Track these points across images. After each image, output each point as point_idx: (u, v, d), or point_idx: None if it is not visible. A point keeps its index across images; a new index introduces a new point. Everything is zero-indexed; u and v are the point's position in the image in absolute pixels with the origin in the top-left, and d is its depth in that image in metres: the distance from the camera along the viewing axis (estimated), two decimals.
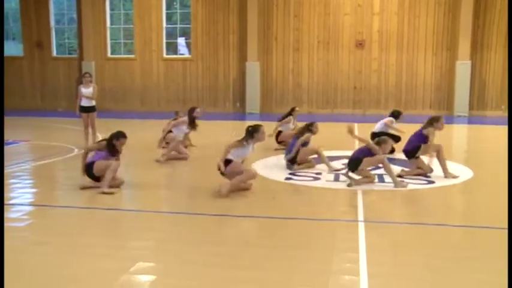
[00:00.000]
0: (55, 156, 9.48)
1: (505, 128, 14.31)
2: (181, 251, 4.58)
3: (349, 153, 9.22)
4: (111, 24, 20.95)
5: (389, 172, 7.01)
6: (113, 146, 6.82)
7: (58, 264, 4.21)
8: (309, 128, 8.51)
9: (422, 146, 7.66)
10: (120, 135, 6.88)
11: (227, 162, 6.46)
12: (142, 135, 12.50)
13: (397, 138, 9.55)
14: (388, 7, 18.67)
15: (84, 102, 10.43)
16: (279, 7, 19.38)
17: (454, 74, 18.09)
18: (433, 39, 18.60)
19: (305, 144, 8.31)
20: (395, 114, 10.16)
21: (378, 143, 7.11)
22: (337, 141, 10.50)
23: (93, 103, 10.47)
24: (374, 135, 9.56)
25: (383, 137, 7.45)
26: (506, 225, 5.37)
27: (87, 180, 6.83)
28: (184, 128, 9.44)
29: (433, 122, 7.75)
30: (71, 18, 21.40)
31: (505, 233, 5.13)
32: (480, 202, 6.48)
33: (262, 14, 19.32)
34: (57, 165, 8.99)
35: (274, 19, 19.45)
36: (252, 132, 6.67)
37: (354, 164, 7.06)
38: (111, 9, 20.91)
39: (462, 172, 7.94)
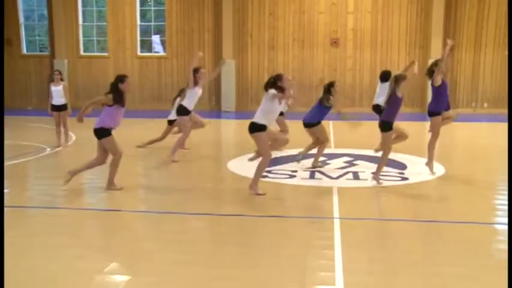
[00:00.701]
0: (26, 156, 9.28)
1: (475, 125, 14.65)
2: (156, 250, 4.54)
3: (326, 150, 9.28)
4: (84, 21, 20.61)
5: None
6: (119, 91, 6.48)
7: (30, 265, 4.13)
8: (329, 89, 8.23)
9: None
10: (122, 77, 6.58)
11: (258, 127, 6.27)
12: (117, 133, 12.34)
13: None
14: (362, 6, 18.87)
15: (55, 101, 10.21)
16: (254, 5, 19.37)
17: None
18: (406, 38, 18.88)
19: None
20: (386, 75, 9.18)
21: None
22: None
23: (64, 101, 10.26)
24: (377, 107, 9.18)
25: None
26: (477, 219, 5.50)
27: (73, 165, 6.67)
28: (197, 89, 8.86)
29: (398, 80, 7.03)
30: (41, 14, 20.98)
31: (476, 228, 5.25)
32: (452, 198, 6.61)
33: (237, 11, 19.29)
34: (29, 165, 8.80)
35: (249, 17, 19.44)
36: (276, 81, 6.48)
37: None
38: (84, 6, 20.57)
39: (435, 169, 8.08)
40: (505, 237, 5.03)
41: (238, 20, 19.39)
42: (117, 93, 6.49)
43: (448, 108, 7.78)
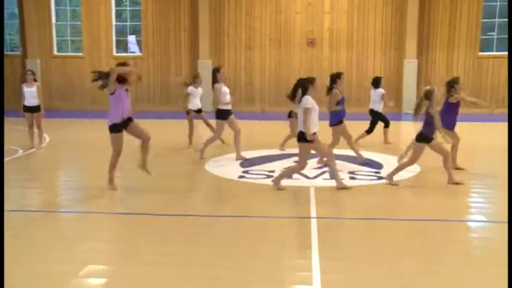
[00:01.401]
0: None
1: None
2: (132, 252, 4.50)
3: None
4: (57, 20, 20.27)
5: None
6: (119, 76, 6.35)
7: (4, 269, 4.02)
8: (336, 81, 8.25)
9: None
10: (120, 64, 6.59)
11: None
12: (94, 135, 12.18)
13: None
14: (338, 6, 19.02)
15: (28, 102, 9.99)
16: (230, 5, 19.34)
17: (402, 72, 18.65)
18: (381, 38, 19.10)
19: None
20: (377, 81, 10.61)
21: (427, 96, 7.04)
22: (289, 140, 10.55)
23: (38, 102, 10.07)
24: (371, 111, 10.37)
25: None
26: (451, 217, 5.59)
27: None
28: (200, 89, 9.49)
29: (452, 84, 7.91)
30: (12, 13, 20.52)
31: (451, 225, 5.34)
32: (427, 197, 6.70)
33: (214, 11, 19.23)
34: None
35: (226, 17, 19.40)
36: (307, 85, 6.63)
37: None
38: (57, 5, 20.21)
39: (411, 168, 8.18)
40: (479, 235, 5.13)
41: (215, 20, 19.34)
42: (122, 77, 6.38)
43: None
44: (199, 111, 10.30)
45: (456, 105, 8.16)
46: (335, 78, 8.12)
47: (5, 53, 20.59)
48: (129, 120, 6.52)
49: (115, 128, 6.44)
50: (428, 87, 7.10)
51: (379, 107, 10.38)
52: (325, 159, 8.11)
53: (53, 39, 20.19)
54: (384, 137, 10.64)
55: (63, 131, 12.97)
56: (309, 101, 6.50)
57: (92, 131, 12.68)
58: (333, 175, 6.89)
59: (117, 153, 6.61)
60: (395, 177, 7.16)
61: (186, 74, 19.51)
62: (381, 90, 10.38)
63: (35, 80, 10.22)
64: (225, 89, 8.73)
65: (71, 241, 4.80)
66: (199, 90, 10.33)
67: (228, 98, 8.71)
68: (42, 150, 9.96)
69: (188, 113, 10.24)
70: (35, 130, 10.13)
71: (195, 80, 10.35)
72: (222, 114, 8.68)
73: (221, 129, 8.82)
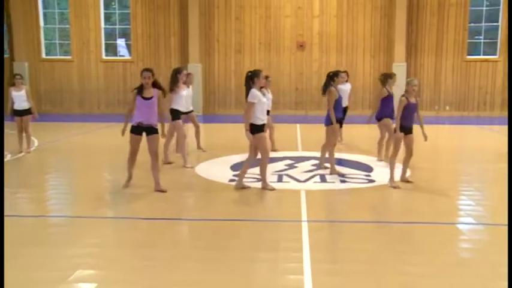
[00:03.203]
0: None
1: (438, 128, 15.02)
2: (122, 257, 4.46)
3: (292, 153, 9.32)
4: (45, 23, 20.13)
5: None
6: (141, 84, 6.78)
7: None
8: (333, 79, 7.96)
9: None
10: (142, 71, 6.84)
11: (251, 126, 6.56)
12: (83, 139, 12.09)
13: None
14: (328, 10, 19.11)
15: (17, 106, 9.93)
16: (220, 9, 19.36)
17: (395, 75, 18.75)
18: (370, 42, 19.22)
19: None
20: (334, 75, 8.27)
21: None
22: (279, 142, 10.57)
23: (28, 106, 10.00)
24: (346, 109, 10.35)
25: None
26: (440, 220, 5.63)
27: None
28: (184, 92, 8.80)
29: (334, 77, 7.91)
30: None
31: (440, 228, 5.37)
32: (417, 199, 6.73)
33: (204, 15, 19.23)
34: None
35: (215, 21, 19.40)
36: (252, 77, 6.58)
37: None
38: (44, 8, 20.08)
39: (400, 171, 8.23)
40: (468, 237, 5.17)
41: (205, 23, 19.33)
42: (140, 85, 6.81)
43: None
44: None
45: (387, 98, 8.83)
46: (332, 77, 7.97)
47: None
48: (151, 129, 6.79)
49: (133, 128, 6.82)
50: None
51: None
52: (325, 164, 8.25)
53: (41, 42, 20.04)
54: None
55: (51, 134, 12.85)
56: (253, 94, 6.54)
57: (81, 135, 12.60)
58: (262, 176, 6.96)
59: (130, 151, 6.92)
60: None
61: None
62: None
63: (22, 84, 10.14)
64: (183, 92, 8.65)
65: (60, 246, 4.75)
66: (190, 90, 10.12)
67: (183, 100, 8.63)
68: (31, 154, 9.87)
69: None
70: (23, 134, 10.04)
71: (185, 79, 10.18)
72: (177, 115, 8.62)
73: (181, 128, 8.68)
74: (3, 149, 8.80)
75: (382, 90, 8.89)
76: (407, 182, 7.37)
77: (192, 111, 9.54)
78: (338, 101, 7.95)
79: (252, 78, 6.62)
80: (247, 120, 6.54)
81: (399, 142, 7.18)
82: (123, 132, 6.91)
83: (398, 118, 7.05)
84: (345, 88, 10.39)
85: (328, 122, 7.93)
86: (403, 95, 7.07)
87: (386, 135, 8.85)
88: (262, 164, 6.91)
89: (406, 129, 7.13)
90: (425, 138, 7.15)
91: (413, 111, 7.10)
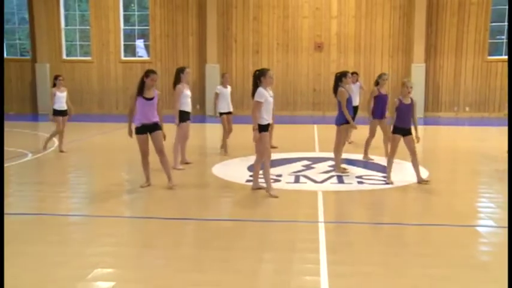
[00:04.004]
0: (8, 161, 9.13)
1: (457, 129, 14.83)
2: (139, 256, 4.50)
3: (309, 154, 9.30)
4: (66, 25, 20.43)
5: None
6: (143, 84, 6.86)
7: (11, 274, 4.04)
8: (341, 79, 8.05)
9: None
10: (148, 72, 6.93)
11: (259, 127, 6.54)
12: (102, 139, 12.24)
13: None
14: (346, 11, 19.01)
15: (59, 106, 10.23)
16: (238, 9, 19.40)
17: (410, 77, 18.58)
18: (389, 42, 19.07)
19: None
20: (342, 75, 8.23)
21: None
22: (297, 143, 10.57)
23: (66, 107, 10.34)
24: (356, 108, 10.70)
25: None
26: (459, 222, 5.55)
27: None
28: (188, 92, 8.63)
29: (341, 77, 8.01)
30: (22, 18, 20.72)
31: (457, 230, 5.30)
32: (435, 201, 6.66)
33: (222, 16, 19.29)
34: (10, 170, 8.66)
35: (233, 21, 19.46)
36: (259, 76, 6.56)
37: None
38: (66, 9, 20.38)
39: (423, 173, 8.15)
40: (487, 240, 5.09)
41: (223, 24, 19.40)
42: (141, 85, 6.86)
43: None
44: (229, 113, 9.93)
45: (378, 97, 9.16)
46: (340, 77, 8.01)
47: (15, 57, 20.80)
48: (154, 126, 6.93)
49: (137, 129, 6.93)
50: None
51: None
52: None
53: (62, 43, 20.35)
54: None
55: (72, 134, 13.04)
56: (260, 93, 6.47)
57: (100, 135, 12.75)
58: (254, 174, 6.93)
59: (141, 153, 7.04)
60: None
61: (194, 78, 19.59)
62: None
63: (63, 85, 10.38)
64: (187, 92, 8.54)
65: (79, 245, 4.81)
66: (229, 89, 10.03)
67: (189, 101, 8.52)
68: (50, 154, 10.02)
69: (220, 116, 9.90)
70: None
71: (222, 79, 10.12)
72: (182, 116, 8.48)
73: (183, 130, 8.54)
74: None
75: (373, 90, 9.28)
76: (424, 182, 7.30)
77: (230, 112, 9.80)
78: (348, 101, 7.96)
79: (259, 77, 6.60)
80: (255, 120, 6.49)
81: (393, 143, 7.31)
82: (130, 134, 7.03)
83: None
84: (355, 88, 11.02)
85: (339, 122, 7.95)
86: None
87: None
88: (257, 162, 6.77)
89: (400, 131, 7.17)
90: (418, 140, 7.20)
91: (407, 112, 7.14)
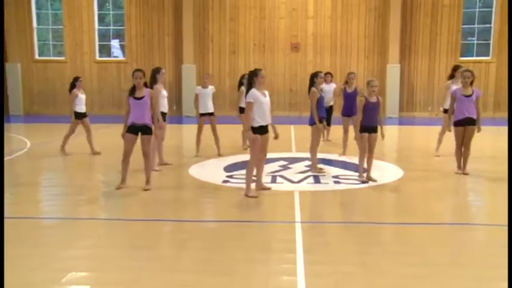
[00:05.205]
0: None
1: (432, 128, 15.06)
2: (115, 258, 4.44)
3: (286, 154, 9.33)
4: (38, 24, 20.05)
5: None
6: (133, 87, 6.97)
7: None
8: (313, 80, 8.17)
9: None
10: (133, 72, 6.98)
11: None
12: (76, 140, 12.03)
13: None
14: (322, 11, 19.16)
15: (81, 108, 10.09)
16: (214, 10, 19.35)
17: (385, 77, 18.84)
18: (365, 43, 19.28)
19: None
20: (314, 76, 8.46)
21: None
22: (273, 143, 10.57)
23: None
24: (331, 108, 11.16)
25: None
26: (434, 220, 5.64)
27: None
28: (164, 92, 8.55)
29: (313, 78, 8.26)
30: None
31: (433, 228, 5.39)
32: (410, 200, 6.76)
33: (198, 16, 19.22)
34: None
35: (210, 21, 19.40)
36: (252, 77, 6.53)
37: None
38: (38, 8, 20.01)
39: (394, 171, 8.26)
40: (464, 237, 5.17)
41: (199, 24, 19.33)
42: (132, 86, 6.99)
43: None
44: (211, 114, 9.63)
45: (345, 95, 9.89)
46: (312, 77, 8.22)
47: None
48: (145, 129, 6.93)
49: (128, 128, 6.94)
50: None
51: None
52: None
53: (34, 43, 19.96)
54: None
55: (44, 135, 12.79)
56: (250, 93, 6.46)
57: (73, 136, 12.54)
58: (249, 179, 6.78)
59: (124, 152, 6.97)
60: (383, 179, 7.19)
61: (170, 79, 19.46)
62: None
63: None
64: (164, 92, 8.51)
65: (54, 248, 4.72)
66: (210, 90, 9.71)
67: (165, 101, 8.51)
68: (23, 157, 9.82)
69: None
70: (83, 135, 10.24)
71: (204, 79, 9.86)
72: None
73: (161, 132, 8.46)
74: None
75: (341, 88, 10.05)
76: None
77: (211, 113, 9.55)
78: (320, 101, 8.02)
79: (252, 78, 6.56)
80: (246, 121, 6.44)
81: (361, 141, 7.46)
82: (123, 135, 6.96)
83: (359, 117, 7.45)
84: (328, 88, 11.16)
85: (311, 122, 8.04)
86: (362, 95, 7.51)
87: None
88: (250, 165, 6.70)
89: (366, 129, 7.36)
90: (383, 137, 7.57)
91: (373, 111, 7.36)
